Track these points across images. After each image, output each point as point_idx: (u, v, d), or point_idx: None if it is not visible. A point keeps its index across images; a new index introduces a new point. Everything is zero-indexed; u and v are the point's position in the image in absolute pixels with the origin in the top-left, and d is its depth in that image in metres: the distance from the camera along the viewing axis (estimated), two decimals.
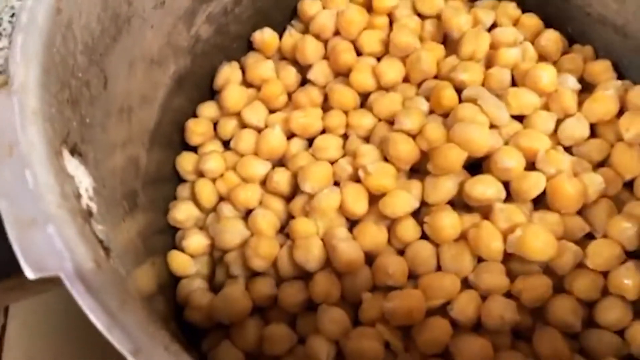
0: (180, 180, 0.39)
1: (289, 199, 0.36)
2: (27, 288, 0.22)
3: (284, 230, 0.35)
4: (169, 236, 0.37)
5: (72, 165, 0.22)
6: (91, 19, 0.26)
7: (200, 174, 0.38)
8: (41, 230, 0.18)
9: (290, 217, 0.35)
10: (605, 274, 0.32)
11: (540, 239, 0.31)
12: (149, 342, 0.17)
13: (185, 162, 0.38)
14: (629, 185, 0.35)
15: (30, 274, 0.18)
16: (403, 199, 0.33)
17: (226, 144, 0.39)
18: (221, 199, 0.37)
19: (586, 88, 0.37)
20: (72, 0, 0.24)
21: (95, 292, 0.18)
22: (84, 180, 0.23)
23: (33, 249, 0.18)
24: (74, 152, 0.23)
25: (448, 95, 0.35)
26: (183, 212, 0.37)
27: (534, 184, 0.33)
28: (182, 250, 0.36)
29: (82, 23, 0.25)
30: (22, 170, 0.20)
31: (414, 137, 0.34)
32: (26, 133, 0.20)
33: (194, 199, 0.37)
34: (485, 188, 0.32)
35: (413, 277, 0.32)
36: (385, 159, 0.34)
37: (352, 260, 0.31)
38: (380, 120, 0.36)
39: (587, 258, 0.32)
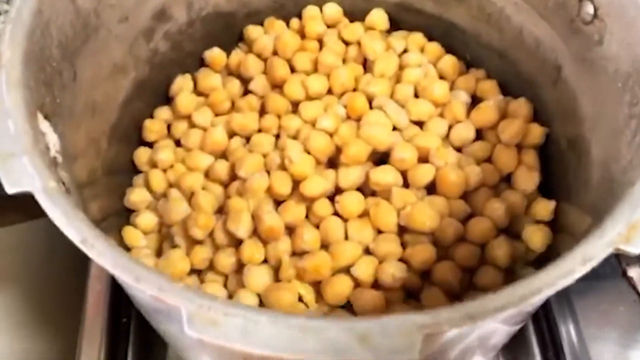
0: (136, 172, 0.45)
1: (227, 185, 0.43)
2: (4, 214, 0.28)
3: (222, 212, 0.42)
4: (124, 219, 0.44)
5: (44, 125, 0.29)
6: (65, 22, 0.34)
7: (154, 165, 0.44)
8: (18, 159, 0.25)
9: (228, 198, 0.42)
10: (482, 247, 0.39)
11: (425, 213, 0.38)
12: (92, 234, 0.23)
13: (141, 155, 0.45)
14: (507, 179, 0.43)
15: (10, 189, 0.24)
16: (319, 183, 0.40)
17: (177, 144, 0.46)
18: (170, 186, 0.44)
19: (478, 103, 0.45)
20: (52, 5, 0.32)
21: (55, 201, 0.24)
22: (52, 138, 0.29)
23: (12, 172, 0.25)
24: (46, 117, 0.30)
25: (360, 102, 0.43)
26: (137, 196, 0.43)
27: (425, 173, 0.40)
28: (135, 227, 0.42)
29: (58, 24, 0.33)
30: (6, 120, 0.26)
31: (331, 135, 0.42)
32: (10, 95, 0.27)
33: (147, 185, 0.44)
34: (384, 175, 0.40)
35: (325, 246, 0.39)
36: (307, 152, 0.42)
37: (273, 227, 0.38)
38: (306, 122, 0.44)
39: (467, 232, 0.39)
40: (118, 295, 0.45)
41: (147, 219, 0.42)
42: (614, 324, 0.47)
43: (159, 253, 0.42)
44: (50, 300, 0.46)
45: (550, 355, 0.45)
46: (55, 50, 0.33)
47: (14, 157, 0.25)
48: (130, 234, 0.41)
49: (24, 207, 0.25)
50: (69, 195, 0.27)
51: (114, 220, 0.42)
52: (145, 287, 0.22)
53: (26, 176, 0.25)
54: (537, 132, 0.42)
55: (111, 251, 0.23)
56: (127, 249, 0.41)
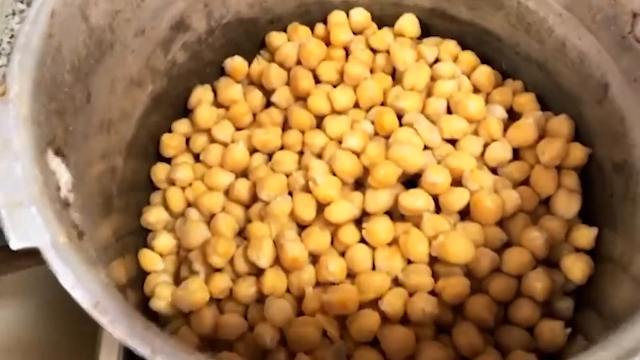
0: (154, 188, 0.44)
1: (248, 206, 0.41)
2: (10, 263, 0.26)
3: (242, 234, 0.40)
4: (141, 237, 0.42)
5: (55, 162, 0.27)
6: (78, 43, 0.31)
7: (172, 183, 0.42)
8: (26, 210, 0.23)
9: (248, 222, 0.40)
10: (519, 278, 0.37)
11: (459, 244, 0.36)
12: (105, 299, 0.22)
13: (159, 171, 0.43)
14: (546, 202, 0.40)
15: (16, 244, 0.22)
16: (345, 208, 0.38)
17: (196, 158, 0.44)
18: (189, 205, 0.42)
19: (515, 117, 0.42)
20: (63, 27, 0.29)
21: (65, 259, 0.22)
22: (64, 176, 0.27)
23: (19, 224, 0.23)
24: (57, 153, 0.28)
25: (389, 119, 0.40)
26: (154, 216, 0.41)
27: (459, 198, 0.38)
28: (151, 249, 0.40)
29: (70, 47, 0.30)
30: (14, 162, 0.24)
31: (358, 154, 0.39)
32: (19, 134, 0.25)
33: (164, 204, 0.42)
34: (415, 200, 0.37)
35: (351, 276, 0.37)
36: (333, 173, 0.39)
37: (297, 258, 0.36)
38: (331, 139, 0.42)
39: (503, 263, 0.37)
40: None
41: (164, 241, 0.40)
42: None
43: (176, 276, 0.40)
44: (62, 348, 0.44)
45: None
46: (68, 75, 0.31)
47: (22, 206, 0.23)
48: (148, 258, 0.40)
49: (32, 255, 0.23)
50: (82, 244, 0.25)
51: (130, 240, 0.41)
52: None
53: (34, 230, 0.23)
54: (579, 153, 0.39)
55: (125, 317, 0.21)
56: (144, 272, 0.40)
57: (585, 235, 0.38)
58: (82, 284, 0.22)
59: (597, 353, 0.22)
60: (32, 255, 0.23)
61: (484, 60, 0.45)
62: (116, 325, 0.21)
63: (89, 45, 0.33)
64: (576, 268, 0.37)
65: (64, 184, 0.27)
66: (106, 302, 0.22)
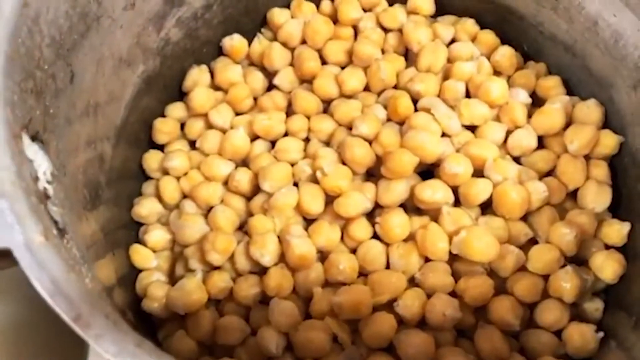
0: (146, 178, 0.40)
1: (249, 198, 0.37)
2: None
3: (243, 228, 0.37)
4: (132, 231, 0.38)
5: (32, 150, 0.24)
6: (59, 14, 0.28)
7: (165, 172, 0.39)
8: None
9: (250, 215, 0.36)
10: (545, 277, 0.34)
11: (482, 241, 0.32)
12: (89, 310, 0.18)
13: (151, 160, 0.39)
14: (573, 195, 0.37)
15: None
16: (357, 200, 0.34)
17: (192, 145, 0.41)
18: (184, 196, 0.38)
19: (538, 102, 0.39)
20: None
21: (41, 263, 0.19)
22: (43, 165, 0.24)
23: None
24: (35, 138, 0.24)
25: (404, 104, 0.37)
26: (147, 208, 0.38)
27: (481, 190, 0.34)
28: (144, 244, 0.37)
29: (49, 18, 0.27)
30: None
31: (370, 142, 0.36)
32: None
33: (157, 195, 0.38)
34: (433, 192, 0.34)
35: (363, 275, 0.34)
36: (343, 162, 0.36)
37: (304, 256, 0.33)
38: (340, 125, 0.38)
39: (529, 261, 0.34)
40: None
41: (157, 236, 0.37)
42: None
43: (171, 274, 0.37)
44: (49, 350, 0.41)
45: None
46: (47, 50, 0.27)
47: None
48: (139, 254, 0.36)
49: (6, 256, 0.20)
50: (62, 244, 0.22)
51: (121, 234, 0.37)
52: None
53: (3, 228, 0.19)
54: (610, 141, 0.36)
55: (113, 332, 0.18)
56: (136, 270, 0.36)
57: (617, 231, 0.35)
58: (62, 293, 0.18)
59: None
60: (7, 256, 0.20)
61: (504, 41, 0.42)
62: (102, 341, 0.18)
63: (71, 16, 0.29)
64: (607, 266, 0.34)
65: (43, 173, 0.24)
66: (90, 314, 0.18)
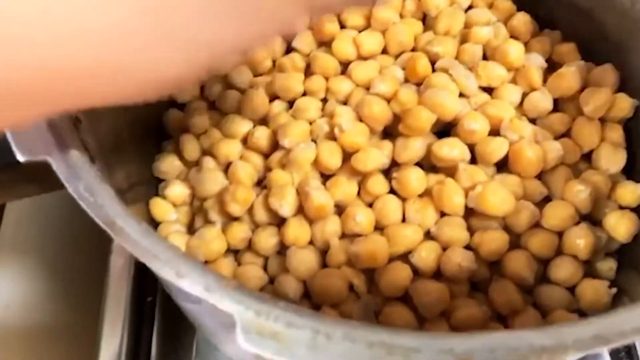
0: (166, 137, 0.41)
1: (267, 156, 0.38)
2: (14, 187, 0.24)
3: (261, 184, 0.37)
4: (152, 187, 0.39)
5: None
6: None
7: (185, 130, 0.39)
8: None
9: (268, 171, 0.37)
10: (560, 234, 0.34)
11: (498, 196, 0.33)
12: (122, 217, 0.19)
13: (172, 117, 0.40)
14: (587, 157, 0.37)
15: (21, 157, 0.19)
16: (374, 156, 0.35)
17: (211, 106, 0.41)
18: (204, 153, 0.39)
19: (554, 68, 0.39)
20: None
21: (77, 173, 0.19)
22: None
23: (25, 136, 0.20)
24: None
25: (422, 64, 0.37)
26: (167, 164, 0.39)
27: (497, 147, 0.35)
28: (164, 198, 0.38)
29: None
30: None
31: (388, 100, 0.36)
32: None
33: (178, 152, 0.39)
34: (450, 149, 0.35)
35: (379, 229, 0.34)
36: (361, 120, 0.36)
37: (322, 206, 0.33)
38: (358, 86, 0.39)
39: (543, 218, 0.34)
40: (143, 272, 0.41)
41: (177, 191, 0.37)
42: None
43: (190, 228, 0.37)
44: (71, 274, 0.42)
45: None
46: None
47: None
48: (159, 207, 0.37)
49: (38, 178, 0.21)
50: (93, 166, 0.22)
51: (142, 189, 0.38)
52: (188, 287, 0.17)
53: (42, 141, 0.20)
54: (625, 105, 0.37)
55: (146, 237, 0.19)
56: (156, 223, 0.37)
57: (631, 191, 0.35)
58: (97, 200, 0.19)
59: None
60: (40, 179, 0.21)
61: (520, 8, 0.42)
62: (133, 245, 0.18)
63: None
64: (621, 226, 0.34)
65: None
66: (123, 220, 0.19)
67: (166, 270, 0.18)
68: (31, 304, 0.45)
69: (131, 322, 0.40)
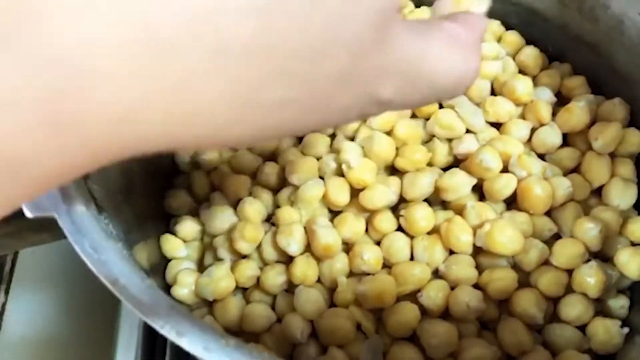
0: (177, 172, 0.41)
1: (276, 191, 0.38)
2: (23, 237, 0.24)
3: (270, 220, 0.37)
4: (163, 223, 0.40)
5: None
6: None
7: (196, 166, 0.40)
8: None
9: (277, 207, 0.37)
10: (569, 272, 0.34)
11: (506, 234, 0.33)
12: (126, 274, 0.19)
13: (183, 154, 0.41)
14: (598, 193, 0.37)
15: (28, 213, 0.20)
16: (382, 193, 0.35)
17: None
18: (214, 189, 0.39)
19: (563, 102, 0.39)
20: None
21: (82, 230, 0.20)
22: None
23: None
24: None
25: None
26: (178, 200, 0.39)
27: (505, 184, 0.35)
28: (174, 234, 0.38)
29: None
30: None
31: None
32: None
33: (189, 188, 0.40)
34: (456, 179, 0.34)
35: (387, 267, 0.34)
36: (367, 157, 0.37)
37: (330, 245, 0.33)
38: (365, 122, 0.39)
39: (553, 256, 0.34)
40: None
41: (188, 227, 0.38)
42: None
43: (200, 264, 0.38)
44: (86, 306, 0.43)
45: None
46: None
47: None
48: (170, 243, 0.37)
49: (47, 228, 0.21)
50: (100, 216, 0.23)
51: (152, 224, 0.38)
52: (188, 346, 0.18)
53: (49, 198, 0.21)
54: (635, 139, 0.37)
55: (148, 295, 0.19)
56: (166, 259, 0.37)
57: None
58: (101, 258, 0.20)
59: None
60: (49, 228, 0.21)
61: (529, 42, 0.42)
62: (136, 303, 0.19)
63: None
64: (633, 263, 0.34)
65: None
66: (127, 278, 0.19)
67: (167, 329, 0.18)
68: (46, 336, 0.46)
69: (144, 351, 0.40)
